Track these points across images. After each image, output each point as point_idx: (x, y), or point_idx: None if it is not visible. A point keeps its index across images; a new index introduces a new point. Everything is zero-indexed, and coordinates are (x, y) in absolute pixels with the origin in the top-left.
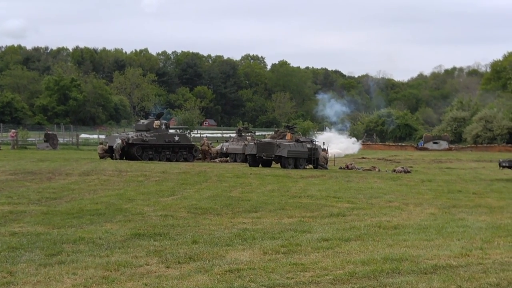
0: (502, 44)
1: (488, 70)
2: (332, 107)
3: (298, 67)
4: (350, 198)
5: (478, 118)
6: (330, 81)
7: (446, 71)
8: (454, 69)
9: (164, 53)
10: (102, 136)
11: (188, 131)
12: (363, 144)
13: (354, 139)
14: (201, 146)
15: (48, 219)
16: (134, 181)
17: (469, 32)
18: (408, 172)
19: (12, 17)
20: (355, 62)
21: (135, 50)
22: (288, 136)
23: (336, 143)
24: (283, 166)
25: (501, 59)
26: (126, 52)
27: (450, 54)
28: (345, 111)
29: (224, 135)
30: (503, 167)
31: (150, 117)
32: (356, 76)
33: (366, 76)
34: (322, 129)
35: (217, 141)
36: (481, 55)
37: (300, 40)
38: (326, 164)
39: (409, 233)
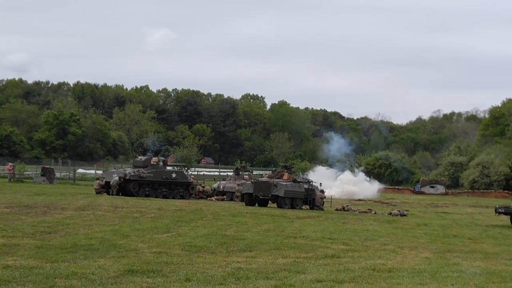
0: (501, 90)
1: (487, 116)
2: (339, 146)
3: (298, 108)
4: (346, 240)
5: (476, 164)
6: (329, 122)
7: (445, 115)
8: (452, 114)
9: (164, 90)
10: (99, 172)
11: (186, 168)
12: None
13: (376, 182)
14: None
15: (41, 253)
16: (130, 217)
17: (469, 77)
18: (404, 215)
19: (15, 51)
20: (354, 104)
21: (136, 87)
22: (286, 176)
23: (353, 184)
24: (280, 206)
25: (499, 105)
26: (126, 89)
27: (449, 99)
28: (346, 151)
29: (222, 173)
30: (499, 213)
31: (148, 153)
32: (355, 118)
33: (365, 119)
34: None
35: (214, 179)
36: (480, 101)
37: (300, 80)
38: (323, 205)
39: (403, 277)
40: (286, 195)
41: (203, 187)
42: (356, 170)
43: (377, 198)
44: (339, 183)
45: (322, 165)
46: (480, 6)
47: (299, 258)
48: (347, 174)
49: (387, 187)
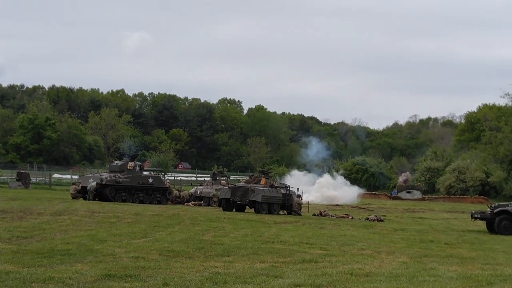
0: (477, 96)
1: (463, 121)
2: (317, 150)
3: (275, 112)
4: (323, 244)
5: (452, 169)
6: (306, 127)
7: (421, 120)
8: (429, 119)
9: (140, 94)
10: (75, 176)
11: (163, 173)
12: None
13: (355, 187)
14: None
15: (18, 258)
16: (106, 222)
17: (445, 83)
18: (381, 220)
19: None
20: (331, 109)
21: (112, 91)
22: (263, 181)
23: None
24: (257, 211)
25: (475, 110)
26: (102, 92)
27: (426, 104)
28: (324, 156)
29: (199, 178)
30: (475, 218)
31: (124, 158)
32: (332, 123)
33: (342, 124)
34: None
35: (191, 184)
36: (456, 106)
37: (277, 85)
38: (300, 210)
39: (381, 281)
40: (264, 200)
41: (179, 191)
42: (335, 173)
43: (354, 204)
44: (317, 186)
45: (299, 170)
46: (456, 12)
47: (277, 263)
48: (326, 177)
49: (365, 192)
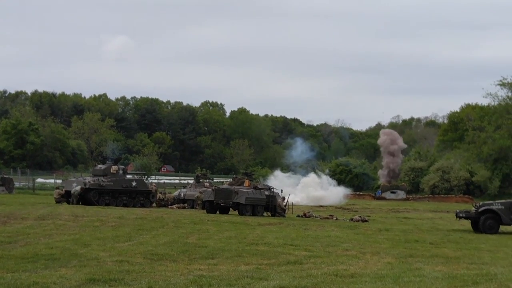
0: (459, 95)
1: (446, 121)
2: (301, 151)
3: (257, 115)
4: (308, 246)
5: (435, 169)
6: (289, 129)
7: (404, 121)
8: (412, 119)
9: (123, 98)
10: (59, 181)
11: (146, 177)
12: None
13: (340, 187)
14: None
15: (2, 263)
16: (90, 226)
17: (427, 83)
18: (366, 221)
19: None
20: (314, 110)
21: (94, 95)
22: (246, 183)
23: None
24: (241, 213)
25: (458, 110)
26: (85, 97)
27: (408, 105)
28: (308, 157)
29: (182, 181)
30: (460, 217)
31: (107, 162)
32: (315, 124)
33: (325, 125)
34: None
35: (175, 187)
36: (439, 106)
37: (259, 87)
38: (284, 212)
39: (366, 282)
40: (248, 202)
41: (164, 194)
42: (320, 173)
43: (339, 204)
44: (302, 186)
45: (284, 172)
46: (438, 13)
47: (261, 265)
48: (312, 176)
49: (349, 193)
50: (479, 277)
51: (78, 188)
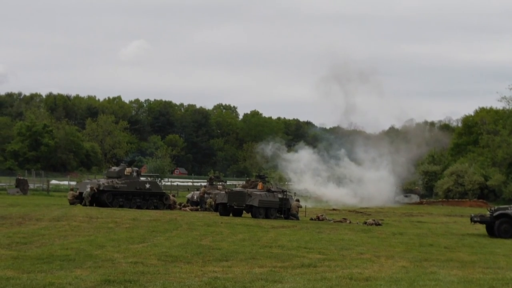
0: (473, 99)
1: (460, 125)
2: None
3: (270, 118)
4: (321, 249)
5: (450, 173)
6: (301, 132)
7: (418, 124)
8: (425, 123)
9: (137, 101)
10: (73, 183)
11: (159, 179)
12: None
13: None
14: None
15: (18, 263)
16: (105, 228)
17: (441, 86)
18: (379, 224)
19: None
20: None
21: (108, 98)
22: (260, 185)
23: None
24: (254, 216)
25: (472, 114)
26: (99, 100)
27: (422, 108)
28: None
29: (195, 183)
30: (475, 222)
31: (121, 164)
32: (327, 127)
33: (338, 128)
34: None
35: (188, 189)
36: (453, 110)
37: (272, 90)
38: (297, 214)
39: (381, 286)
40: (261, 205)
41: (174, 196)
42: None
43: (351, 208)
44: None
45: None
46: (453, 16)
47: (275, 268)
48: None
49: None
50: (495, 282)
51: (89, 189)
